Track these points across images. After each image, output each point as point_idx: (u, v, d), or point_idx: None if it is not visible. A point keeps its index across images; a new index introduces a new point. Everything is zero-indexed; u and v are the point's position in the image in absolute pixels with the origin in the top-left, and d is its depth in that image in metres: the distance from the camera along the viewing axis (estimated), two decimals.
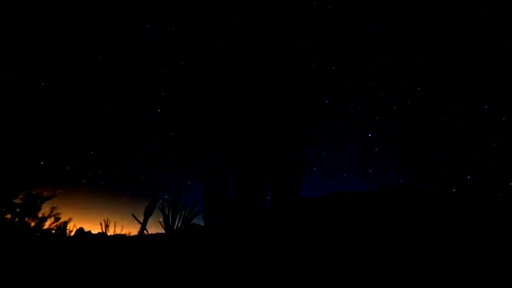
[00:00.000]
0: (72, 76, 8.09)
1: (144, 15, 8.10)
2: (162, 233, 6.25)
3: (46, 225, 4.89)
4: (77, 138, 8.44)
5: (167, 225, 5.79)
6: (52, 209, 4.89)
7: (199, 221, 6.14)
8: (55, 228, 4.99)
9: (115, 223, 6.49)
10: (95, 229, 6.21)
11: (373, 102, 8.86)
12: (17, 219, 4.45)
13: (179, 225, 5.79)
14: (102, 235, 6.65)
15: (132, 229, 7.27)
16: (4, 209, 4.34)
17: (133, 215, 5.50)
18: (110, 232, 6.44)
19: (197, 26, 8.36)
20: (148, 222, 6.44)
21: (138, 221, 5.55)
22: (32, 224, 4.61)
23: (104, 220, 6.32)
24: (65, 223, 5.18)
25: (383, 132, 8.68)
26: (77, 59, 7.97)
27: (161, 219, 5.78)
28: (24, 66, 7.35)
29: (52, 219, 4.93)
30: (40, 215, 4.71)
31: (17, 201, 4.60)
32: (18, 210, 4.48)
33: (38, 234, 4.65)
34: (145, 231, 5.56)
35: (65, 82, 8.05)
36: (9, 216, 4.42)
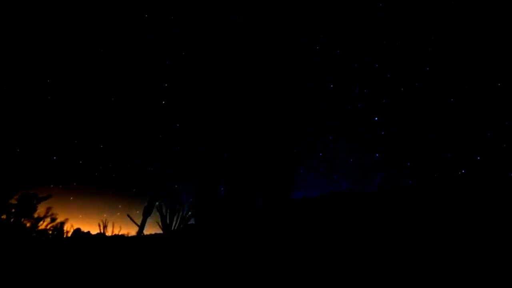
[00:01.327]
0: (74, 72, 8.09)
1: (143, 8, 8.03)
2: (160, 234, 6.20)
3: (43, 225, 4.85)
4: (85, 133, 8.43)
5: (164, 225, 5.73)
6: (48, 209, 4.85)
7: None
8: (51, 228, 4.95)
9: (113, 223, 6.44)
10: (92, 229, 6.17)
11: (380, 85, 8.46)
12: (12, 219, 4.41)
13: (176, 225, 5.73)
14: (102, 235, 6.61)
15: (130, 230, 7.22)
16: None
17: (128, 215, 5.45)
18: (109, 233, 6.40)
19: (196, 26, 8.30)
20: (147, 223, 6.41)
21: (134, 222, 5.50)
22: (28, 224, 4.57)
23: (103, 221, 6.27)
24: (62, 223, 5.13)
25: (389, 119, 8.28)
26: (78, 54, 7.95)
27: (158, 220, 5.72)
28: (24, 63, 7.36)
29: (49, 219, 4.88)
30: (36, 215, 4.66)
31: (13, 201, 4.57)
32: (13, 210, 4.44)
33: (34, 235, 4.61)
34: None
35: (67, 79, 8.04)
36: (4, 216, 4.38)
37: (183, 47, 8.65)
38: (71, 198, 7.92)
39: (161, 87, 8.47)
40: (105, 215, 8.60)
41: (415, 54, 8.26)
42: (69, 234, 5.43)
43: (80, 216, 8.47)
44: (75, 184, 8.11)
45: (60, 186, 7.71)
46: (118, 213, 7.30)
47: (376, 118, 8.18)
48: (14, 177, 4.76)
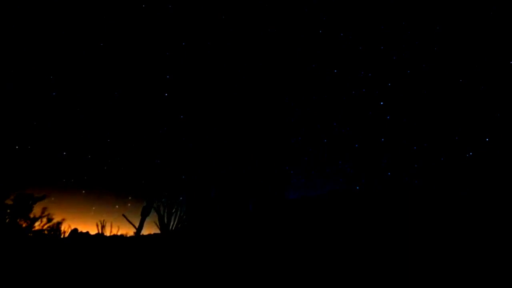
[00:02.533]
0: (76, 68, 8.07)
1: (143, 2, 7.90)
2: (159, 234, 6.15)
3: (40, 225, 4.81)
4: (92, 128, 8.45)
5: (162, 225, 5.68)
6: (43, 209, 4.81)
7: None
8: (48, 229, 4.91)
9: (111, 223, 6.38)
10: (88, 230, 6.12)
11: (385, 68, 8.02)
12: (8, 220, 4.38)
13: (174, 225, 5.68)
14: (101, 235, 6.58)
15: (128, 230, 7.17)
16: None
17: (124, 215, 5.41)
18: (107, 233, 6.36)
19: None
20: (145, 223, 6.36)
21: (130, 222, 5.46)
22: (24, 225, 4.54)
23: (100, 221, 6.23)
24: (58, 223, 5.10)
25: (395, 103, 7.81)
26: (80, 50, 7.90)
27: (155, 220, 5.68)
28: (24, 60, 7.36)
29: (45, 220, 4.85)
30: (31, 216, 4.63)
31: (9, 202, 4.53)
32: (9, 211, 4.41)
33: (30, 235, 4.57)
34: (134, 232, 5.46)
35: (70, 76, 8.03)
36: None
37: (184, 45, 8.52)
38: (83, 191, 8.02)
39: (163, 81, 8.34)
40: (117, 206, 8.64)
41: (422, 35, 7.83)
42: (66, 235, 5.40)
43: (94, 208, 8.56)
44: (85, 178, 8.20)
45: (72, 180, 7.82)
46: (129, 204, 7.38)
47: (382, 103, 7.84)
48: (9, 177, 4.73)
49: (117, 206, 8.56)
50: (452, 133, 7.27)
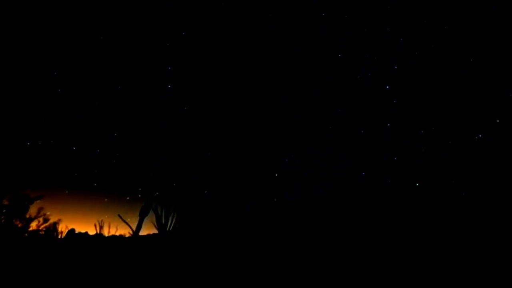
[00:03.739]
0: (77, 66, 8.04)
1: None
2: (157, 234, 6.09)
3: (35, 226, 4.78)
4: (99, 124, 8.48)
5: (160, 225, 5.62)
6: (39, 209, 4.77)
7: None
8: (44, 229, 4.87)
9: (109, 223, 6.33)
10: (86, 230, 6.07)
11: (391, 51, 7.57)
12: (3, 220, 4.35)
13: (172, 225, 5.62)
14: (98, 236, 6.55)
15: (126, 230, 7.12)
16: None
17: (119, 215, 5.37)
18: (105, 233, 6.31)
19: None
20: (143, 222, 6.30)
21: (125, 222, 5.42)
22: (20, 225, 4.51)
23: (99, 221, 6.17)
24: (55, 224, 5.06)
25: (401, 86, 7.34)
26: (79, 48, 7.84)
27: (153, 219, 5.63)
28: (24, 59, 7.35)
29: (41, 220, 4.81)
30: (27, 216, 4.59)
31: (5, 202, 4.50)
32: (4, 211, 4.38)
33: (26, 235, 4.54)
34: (129, 232, 5.41)
35: (68, 75, 8.00)
36: None
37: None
38: (95, 184, 8.12)
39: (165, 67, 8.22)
40: (128, 198, 8.71)
41: (431, 15, 7.33)
42: (63, 235, 5.35)
43: (106, 200, 8.69)
44: (96, 171, 8.25)
45: (82, 175, 7.89)
46: (139, 195, 7.50)
47: (388, 87, 7.44)
48: (5, 177, 4.71)
49: (128, 198, 8.58)
50: (461, 116, 6.86)
